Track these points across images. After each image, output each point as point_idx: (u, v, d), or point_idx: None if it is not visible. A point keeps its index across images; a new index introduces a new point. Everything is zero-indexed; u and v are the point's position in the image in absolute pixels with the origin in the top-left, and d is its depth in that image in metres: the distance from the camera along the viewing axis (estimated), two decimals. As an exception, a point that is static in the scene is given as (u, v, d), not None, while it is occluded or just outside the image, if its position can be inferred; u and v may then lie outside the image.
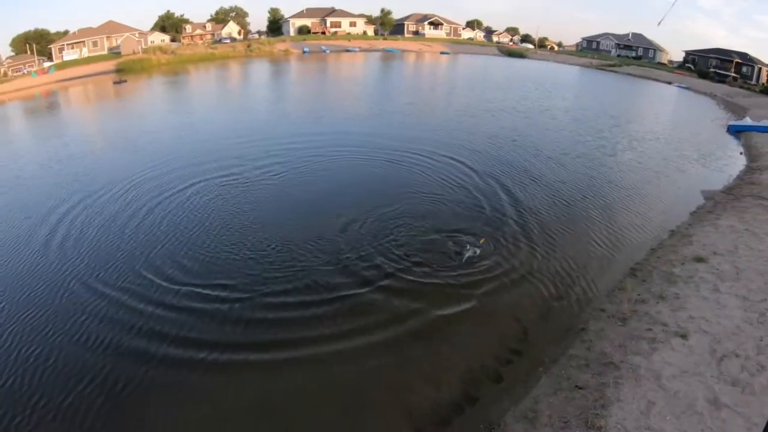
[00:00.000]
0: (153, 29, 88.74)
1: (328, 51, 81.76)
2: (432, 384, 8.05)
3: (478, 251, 11.42)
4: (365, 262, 11.29)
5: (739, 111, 39.25)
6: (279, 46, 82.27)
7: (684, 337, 8.23)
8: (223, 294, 10.18)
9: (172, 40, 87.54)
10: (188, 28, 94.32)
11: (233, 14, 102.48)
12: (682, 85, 59.15)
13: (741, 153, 23.63)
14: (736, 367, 7.53)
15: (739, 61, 68.60)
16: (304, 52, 79.65)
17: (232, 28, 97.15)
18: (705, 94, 52.91)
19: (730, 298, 9.33)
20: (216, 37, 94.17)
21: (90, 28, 74.70)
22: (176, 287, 10.41)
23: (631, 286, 10.23)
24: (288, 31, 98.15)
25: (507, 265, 11.22)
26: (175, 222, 13.70)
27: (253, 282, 10.59)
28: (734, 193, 16.34)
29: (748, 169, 20.02)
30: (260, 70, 62.90)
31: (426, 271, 10.99)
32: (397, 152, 20.95)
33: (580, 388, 7.59)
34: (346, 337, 8.99)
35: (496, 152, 21.81)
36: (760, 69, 66.65)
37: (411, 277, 10.72)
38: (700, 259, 10.98)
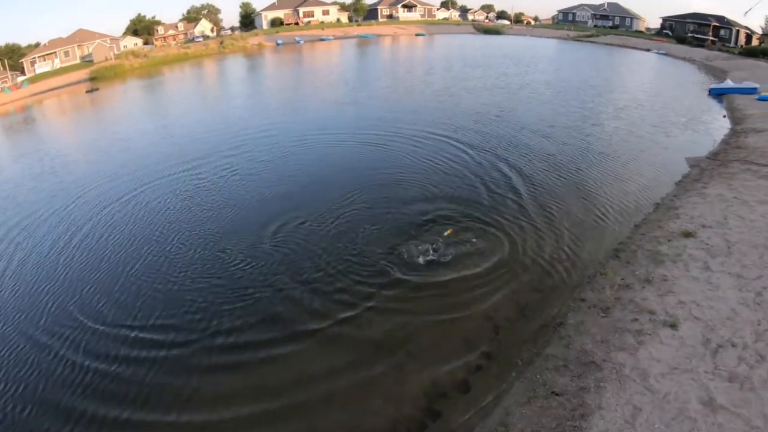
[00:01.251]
0: (125, 34, 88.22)
1: (301, 42, 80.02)
2: (393, 402, 7.06)
3: (435, 249, 10.30)
4: (321, 272, 10.19)
5: (719, 74, 38.34)
6: (252, 40, 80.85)
7: (673, 326, 7.25)
8: (176, 326, 9.01)
9: (145, 43, 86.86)
10: (160, 29, 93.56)
11: (205, 11, 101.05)
12: (661, 52, 58.19)
13: (724, 116, 22.75)
14: (733, 358, 6.57)
15: (717, 24, 67.72)
16: (277, 44, 78.33)
17: (204, 26, 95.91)
18: (684, 59, 52.02)
19: (722, 276, 8.36)
20: (189, 36, 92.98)
21: (60, 38, 72.67)
22: (118, 330, 9.05)
23: (614, 269, 9.23)
24: (261, 25, 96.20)
25: (478, 257, 10.15)
26: (132, 241, 12.39)
27: (207, 308, 9.38)
28: (720, 158, 15.39)
29: (733, 133, 19.11)
30: (233, 65, 61.15)
31: (389, 273, 9.91)
32: (373, 136, 20.17)
33: (557, 395, 6.61)
34: (299, 359, 7.96)
35: (477, 128, 20.89)
36: (738, 31, 65.88)
37: (373, 286, 9.60)
38: (688, 234, 10.01)
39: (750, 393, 6.02)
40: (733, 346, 6.75)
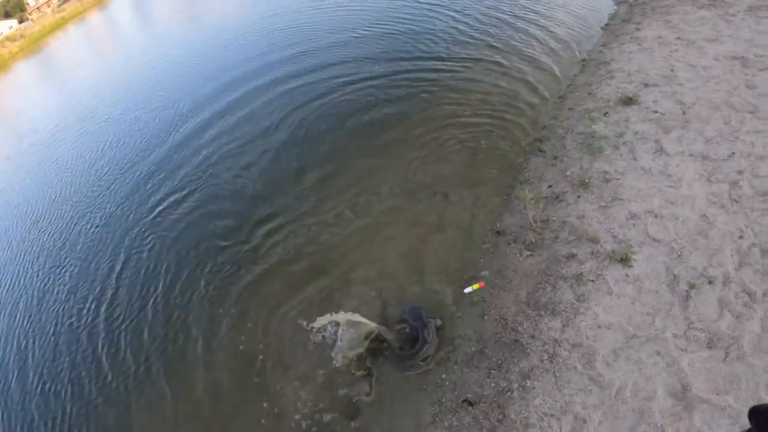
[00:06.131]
0: (-2, 19, 72.46)
1: None
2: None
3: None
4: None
5: None
6: None
7: (625, 261, 4.95)
8: None
9: (21, 22, 72.89)
10: (32, 1, 77.91)
11: None
12: None
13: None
14: (712, 306, 4.41)
15: None
16: None
17: None
18: None
19: (683, 162, 6.01)
20: None
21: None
22: None
23: (539, 172, 6.69)
24: None
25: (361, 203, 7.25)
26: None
27: None
28: (651, -14, 12.43)
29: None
30: (117, 11, 51.49)
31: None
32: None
33: (470, 404, 4.33)
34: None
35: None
36: None
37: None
38: (628, 101, 7.49)
39: (738, 365, 3.97)
40: (710, 283, 4.56)
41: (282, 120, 9.74)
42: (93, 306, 7.03)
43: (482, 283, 5.16)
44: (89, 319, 6.83)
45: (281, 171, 8.29)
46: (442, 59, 10.48)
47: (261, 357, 5.40)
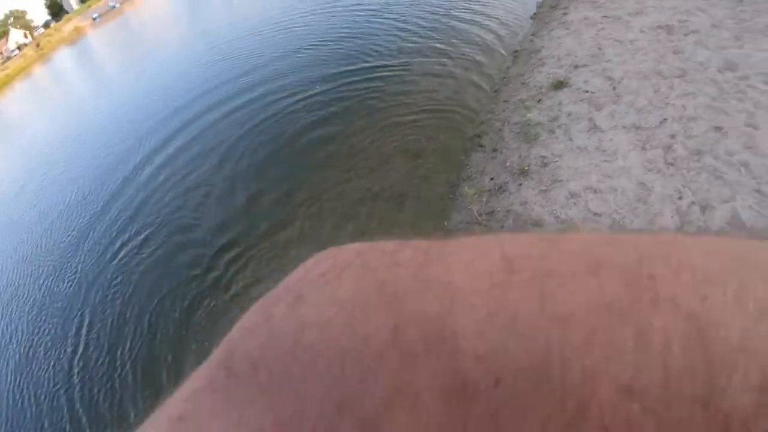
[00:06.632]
0: (-58, 85, 72.86)
1: (117, 5, 70.41)
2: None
3: None
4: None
5: None
6: (66, 27, 71.05)
7: (569, 240, 4.81)
8: None
9: None
10: None
11: (12, 20, 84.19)
12: None
13: None
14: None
15: None
16: (93, 19, 69.54)
17: (16, 36, 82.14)
18: None
19: (617, 135, 6.01)
20: (5, 54, 78.00)
21: None
22: None
23: (480, 167, 6.63)
24: (71, 7, 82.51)
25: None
26: None
27: None
28: (575, -28, 12.75)
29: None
30: (60, 63, 51.24)
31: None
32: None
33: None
34: None
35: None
36: None
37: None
38: (560, 84, 7.54)
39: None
40: (655, 248, 4.44)
41: (231, 147, 9.72)
42: (65, 364, 6.72)
43: None
44: (64, 377, 6.51)
45: (234, 199, 8.18)
46: (384, 66, 10.56)
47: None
